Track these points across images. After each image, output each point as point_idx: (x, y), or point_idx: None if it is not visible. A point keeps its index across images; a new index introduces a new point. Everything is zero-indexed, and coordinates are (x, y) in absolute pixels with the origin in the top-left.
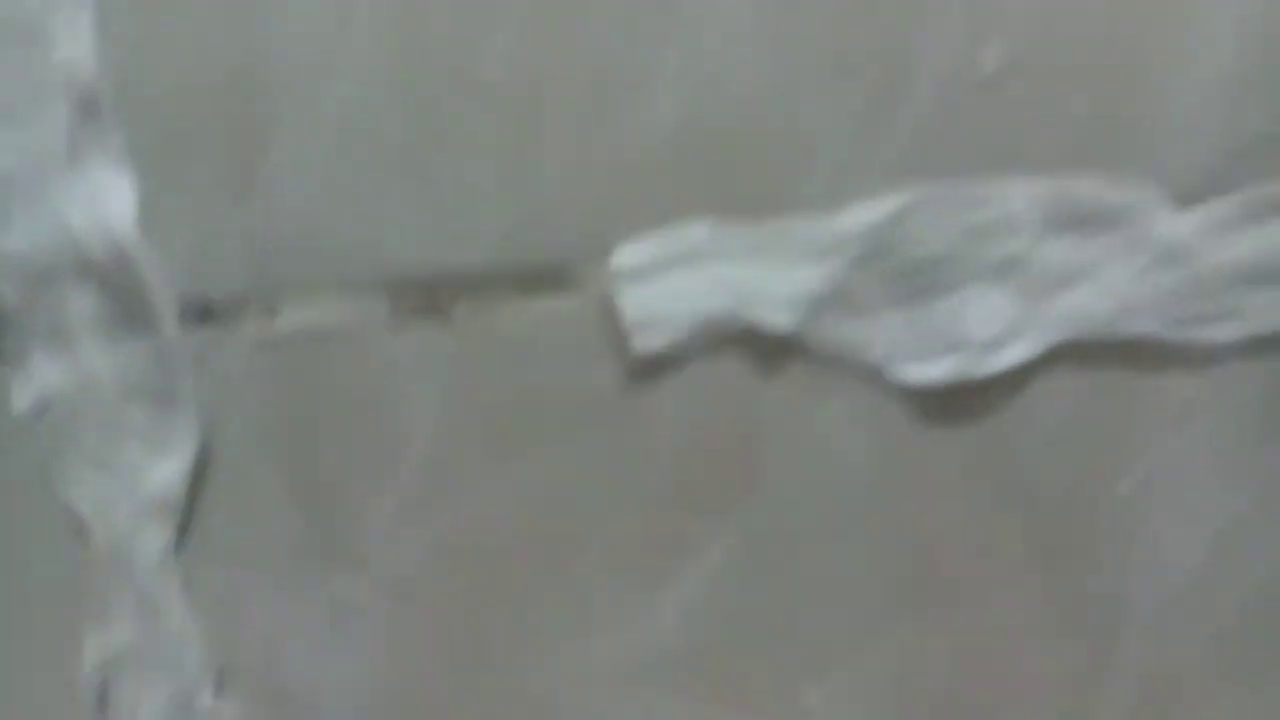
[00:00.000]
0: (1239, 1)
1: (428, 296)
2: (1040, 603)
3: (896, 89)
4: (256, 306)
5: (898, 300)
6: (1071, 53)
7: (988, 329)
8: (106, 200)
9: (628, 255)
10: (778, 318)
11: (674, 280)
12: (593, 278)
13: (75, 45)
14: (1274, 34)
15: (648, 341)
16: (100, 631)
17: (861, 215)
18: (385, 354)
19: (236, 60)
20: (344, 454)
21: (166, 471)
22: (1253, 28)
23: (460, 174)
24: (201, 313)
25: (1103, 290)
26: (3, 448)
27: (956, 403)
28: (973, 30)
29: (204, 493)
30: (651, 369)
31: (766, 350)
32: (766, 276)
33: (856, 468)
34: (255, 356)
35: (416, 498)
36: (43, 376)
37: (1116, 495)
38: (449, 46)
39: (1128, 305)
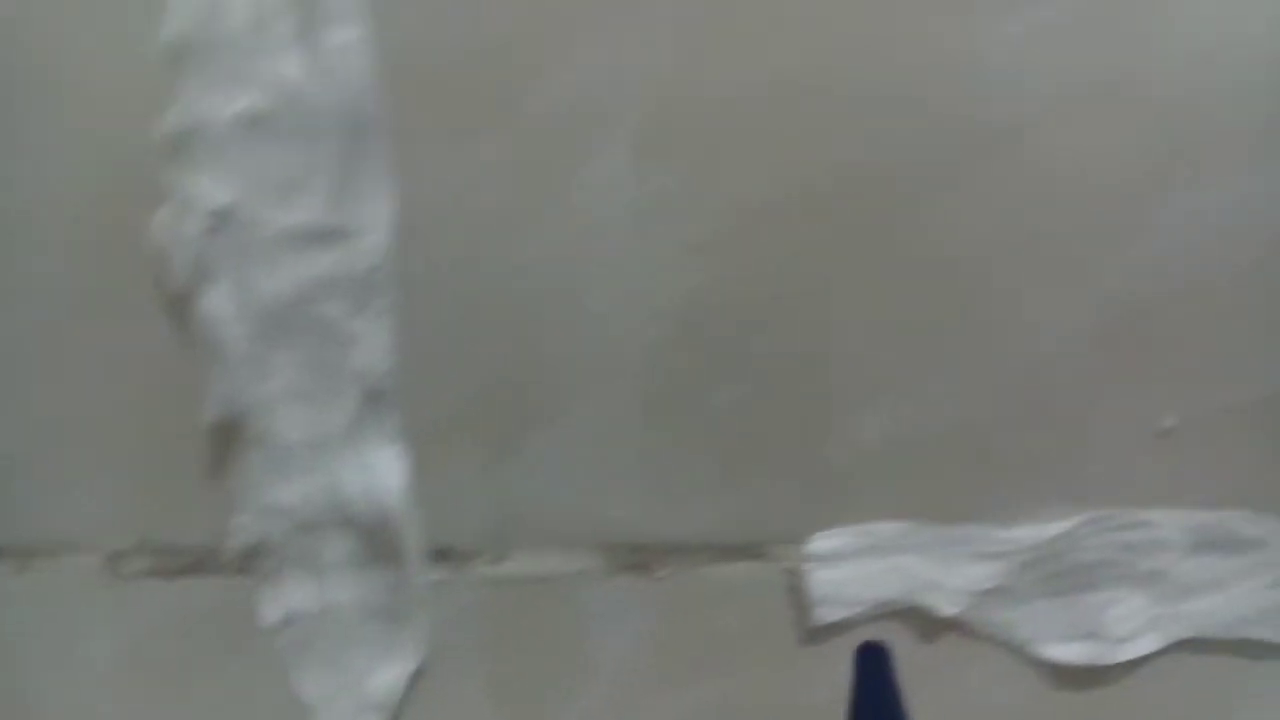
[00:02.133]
0: None
1: (636, 555)
2: None
3: (1081, 436)
4: (489, 554)
5: (1050, 593)
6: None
7: (1125, 625)
8: (378, 472)
9: (822, 541)
10: (944, 605)
11: (859, 567)
12: (785, 554)
13: (372, 349)
14: None
15: (828, 615)
16: None
17: (1035, 530)
18: (592, 598)
19: (504, 370)
20: (542, 676)
21: (389, 676)
22: None
23: (688, 470)
24: (440, 553)
25: (1230, 600)
26: (247, 648)
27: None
28: (1154, 395)
29: (418, 696)
30: (825, 629)
31: (927, 621)
32: (941, 571)
33: None
34: (480, 592)
35: (598, 714)
36: (291, 595)
37: None
38: (682, 385)
39: (1248, 614)
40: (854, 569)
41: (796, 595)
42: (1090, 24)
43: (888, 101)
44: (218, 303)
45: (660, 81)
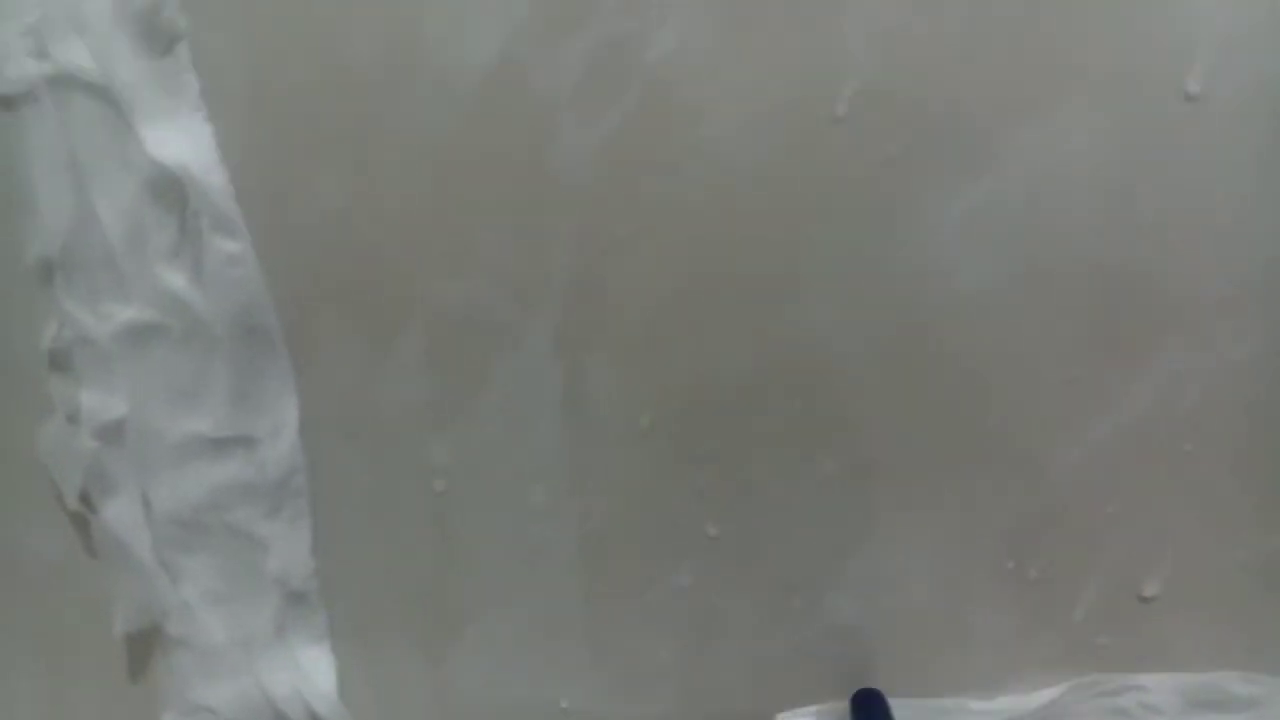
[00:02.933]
0: None
1: None
2: None
3: (1066, 602)
4: None
5: None
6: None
7: None
8: (307, 671)
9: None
10: None
11: None
12: None
13: (289, 552)
14: None
15: None
16: None
17: (1018, 700)
18: None
19: (435, 564)
20: None
21: None
22: None
23: (640, 652)
24: None
25: None
26: None
27: None
28: (1140, 555)
29: None
30: None
31: None
32: None
33: None
34: None
35: None
36: None
37: None
38: (630, 568)
39: None
40: None
41: None
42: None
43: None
44: (119, 515)
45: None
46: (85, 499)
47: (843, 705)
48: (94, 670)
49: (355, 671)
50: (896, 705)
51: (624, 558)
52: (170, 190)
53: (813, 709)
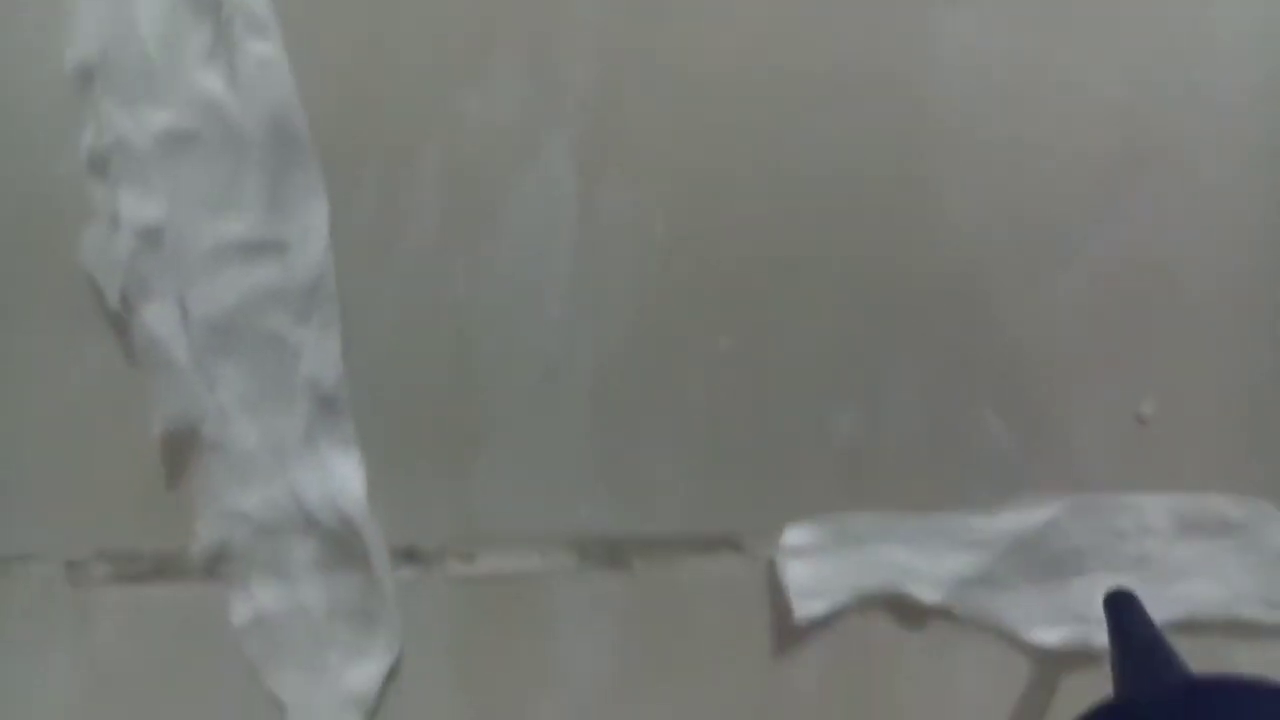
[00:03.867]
0: None
1: (612, 551)
2: None
3: (1060, 423)
4: (457, 553)
5: (1035, 579)
6: (1217, 398)
7: None
8: (336, 478)
9: (795, 535)
10: (927, 594)
11: (836, 559)
12: (762, 547)
13: (320, 358)
14: None
15: (807, 610)
16: None
17: (1018, 517)
18: (568, 595)
19: (456, 375)
20: (517, 672)
21: (363, 675)
22: None
23: (654, 464)
24: (408, 554)
25: (1218, 582)
26: (213, 652)
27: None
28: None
29: (390, 696)
30: (805, 625)
31: (910, 610)
32: (922, 560)
33: (981, 707)
34: (451, 592)
35: (578, 711)
36: (260, 598)
37: None
38: (645, 382)
39: (1238, 594)
40: (832, 562)
41: (776, 590)
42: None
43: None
44: (158, 318)
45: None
46: (125, 302)
47: (847, 519)
48: (130, 477)
49: (382, 481)
50: (896, 520)
51: (637, 372)
52: None
53: (820, 523)
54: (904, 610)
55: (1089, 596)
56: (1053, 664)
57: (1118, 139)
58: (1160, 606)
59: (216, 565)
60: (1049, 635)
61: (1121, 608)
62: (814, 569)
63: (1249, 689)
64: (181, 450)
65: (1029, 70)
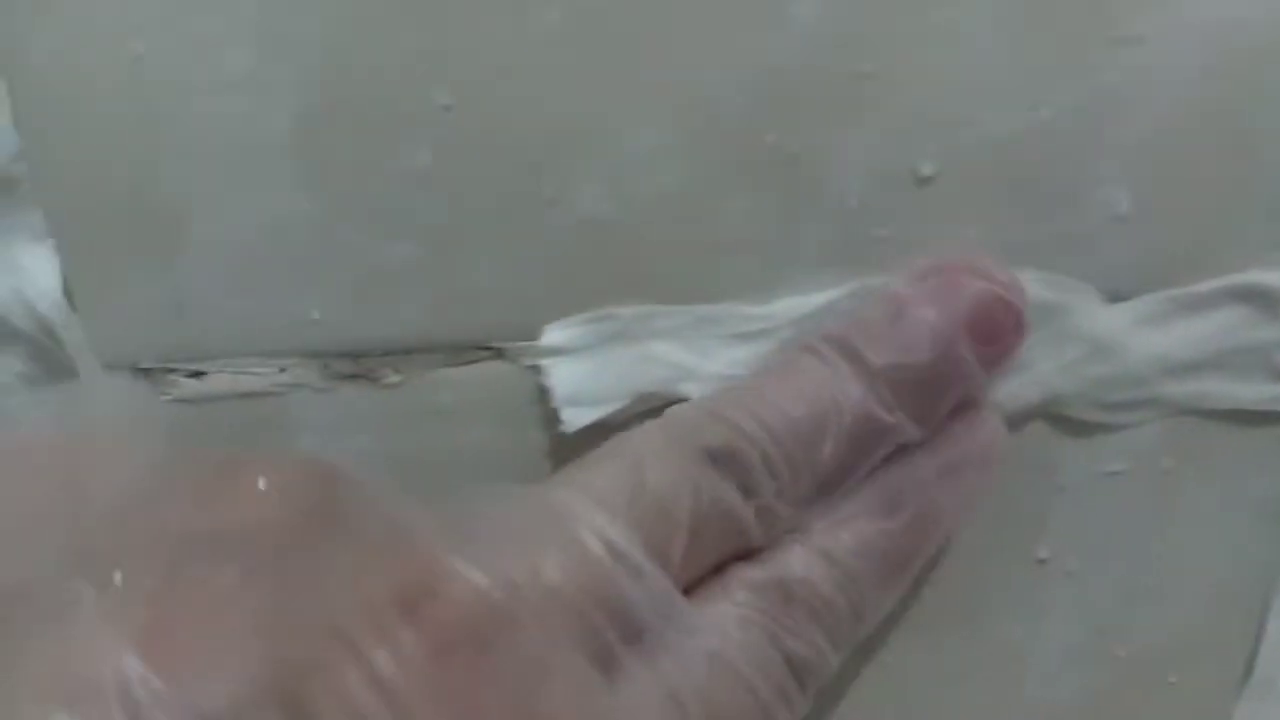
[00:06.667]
0: None
1: (357, 363)
2: None
3: (828, 185)
4: (183, 370)
5: None
6: (1007, 159)
7: None
8: (27, 273)
9: (556, 334)
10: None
11: (604, 358)
12: (523, 353)
13: None
14: None
15: (576, 419)
16: None
17: (793, 303)
18: (312, 413)
19: (143, 160)
20: None
21: None
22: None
23: (378, 258)
24: (125, 370)
25: (1033, 380)
26: None
27: None
28: (910, 137)
29: None
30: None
31: None
32: (697, 356)
33: None
34: (180, 412)
35: None
36: None
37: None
38: (351, 159)
39: (1057, 394)
40: (598, 362)
41: (544, 397)
42: None
43: None
44: None
45: None
46: None
47: (611, 313)
48: None
49: (78, 275)
50: (661, 314)
51: (351, 135)
52: None
53: (581, 319)
54: None
55: None
56: None
57: None
58: None
59: None
60: None
61: None
62: (580, 369)
63: None
64: None
65: None
